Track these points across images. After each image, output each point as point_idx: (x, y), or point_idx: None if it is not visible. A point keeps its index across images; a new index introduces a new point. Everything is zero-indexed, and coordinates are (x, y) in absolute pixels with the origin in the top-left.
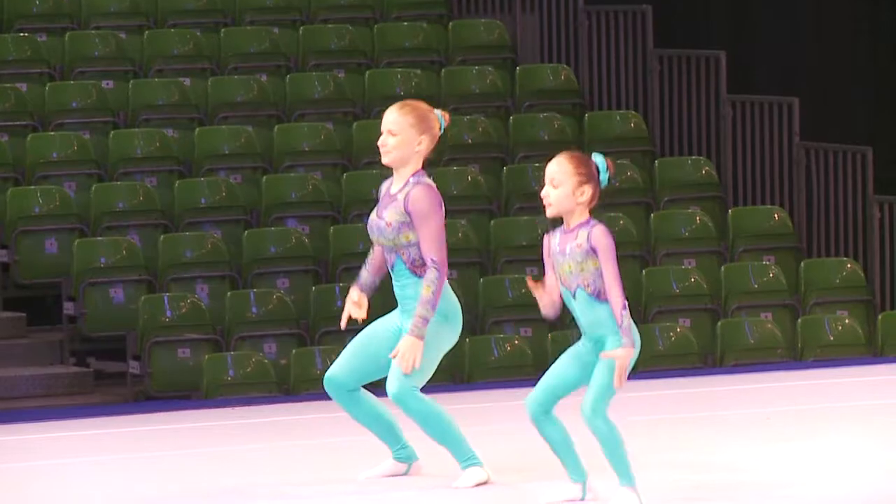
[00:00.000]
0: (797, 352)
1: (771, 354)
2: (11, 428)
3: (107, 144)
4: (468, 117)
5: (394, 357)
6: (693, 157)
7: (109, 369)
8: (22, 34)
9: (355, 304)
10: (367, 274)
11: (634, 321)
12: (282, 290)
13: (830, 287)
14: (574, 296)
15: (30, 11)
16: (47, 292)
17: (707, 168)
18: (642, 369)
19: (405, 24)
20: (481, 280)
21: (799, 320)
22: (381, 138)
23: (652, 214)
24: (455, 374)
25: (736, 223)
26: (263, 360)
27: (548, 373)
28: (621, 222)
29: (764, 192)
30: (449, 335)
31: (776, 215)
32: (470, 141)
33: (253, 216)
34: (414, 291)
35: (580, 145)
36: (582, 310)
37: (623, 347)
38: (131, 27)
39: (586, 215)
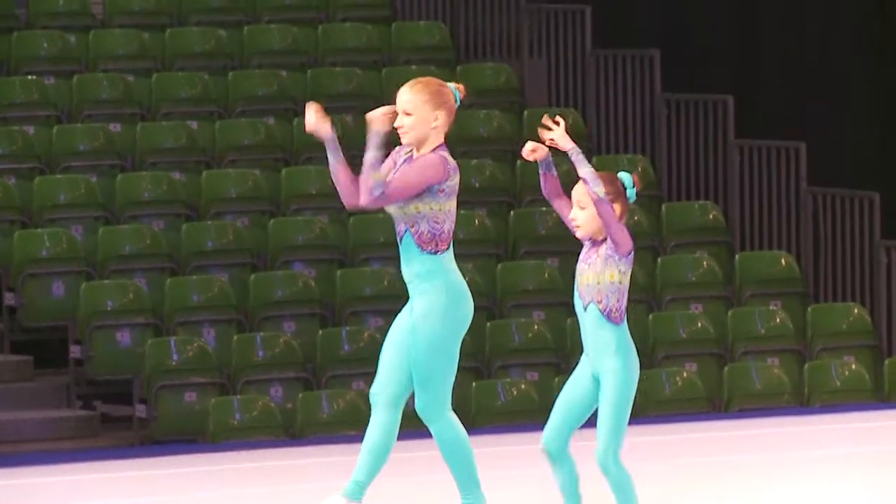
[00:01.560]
0: (804, 397)
1: (778, 400)
2: (18, 471)
3: (114, 187)
4: (475, 161)
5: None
6: (700, 202)
7: (116, 413)
8: (29, 77)
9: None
10: None
11: (642, 366)
12: (288, 333)
13: (837, 332)
14: (585, 309)
15: (38, 54)
16: (54, 335)
17: (714, 212)
18: (650, 413)
19: (413, 67)
20: (488, 324)
21: (806, 366)
22: (398, 119)
23: (659, 259)
24: (460, 417)
25: (743, 268)
26: (270, 403)
27: (556, 406)
28: None
29: (771, 237)
30: (460, 320)
31: (783, 260)
32: (477, 185)
33: (260, 260)
34: (421, 268)
35: None
36: (591, 327)
37: None
38: (139, 70)
39: None
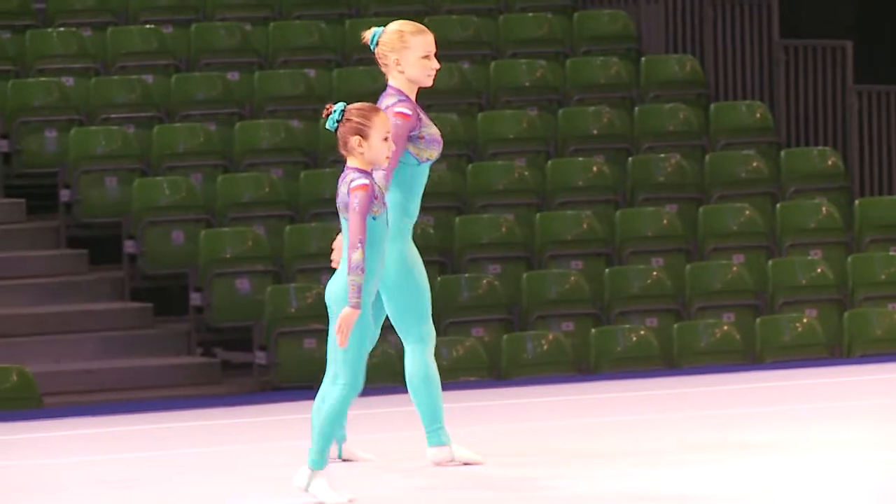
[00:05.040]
0: None
1: None
2: (141, 418)
3: (232, 136)
4: (593, 108)
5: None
6: (819, 148)
7: (236, 360)
8: (148, 26)
9: None
10: None
11: (761, 312)
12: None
13: None
14: None
15: (155, 3)
16: (174, 283)
17: (833, 158)
18: (770, 359)
19: (530, 15)
20: (606, 270)
21: None
22: (433, 62)
23: (778, 205)
24: (577, 363)
25: (862, 213)
26: (389, 350)
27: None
28: (747, 212)
29: (891, 182)
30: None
31: None
32: (595, 132)
33: None
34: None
35: (706, 136)
36: None
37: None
38: (257, 19)
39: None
